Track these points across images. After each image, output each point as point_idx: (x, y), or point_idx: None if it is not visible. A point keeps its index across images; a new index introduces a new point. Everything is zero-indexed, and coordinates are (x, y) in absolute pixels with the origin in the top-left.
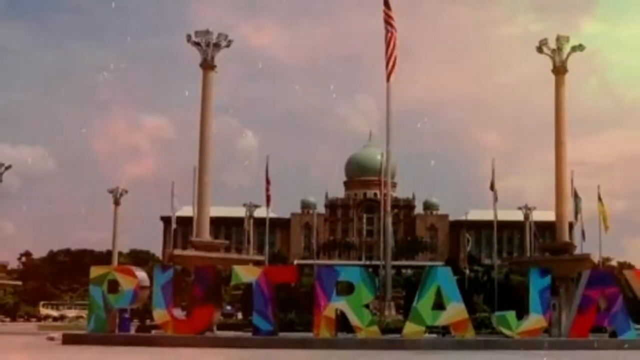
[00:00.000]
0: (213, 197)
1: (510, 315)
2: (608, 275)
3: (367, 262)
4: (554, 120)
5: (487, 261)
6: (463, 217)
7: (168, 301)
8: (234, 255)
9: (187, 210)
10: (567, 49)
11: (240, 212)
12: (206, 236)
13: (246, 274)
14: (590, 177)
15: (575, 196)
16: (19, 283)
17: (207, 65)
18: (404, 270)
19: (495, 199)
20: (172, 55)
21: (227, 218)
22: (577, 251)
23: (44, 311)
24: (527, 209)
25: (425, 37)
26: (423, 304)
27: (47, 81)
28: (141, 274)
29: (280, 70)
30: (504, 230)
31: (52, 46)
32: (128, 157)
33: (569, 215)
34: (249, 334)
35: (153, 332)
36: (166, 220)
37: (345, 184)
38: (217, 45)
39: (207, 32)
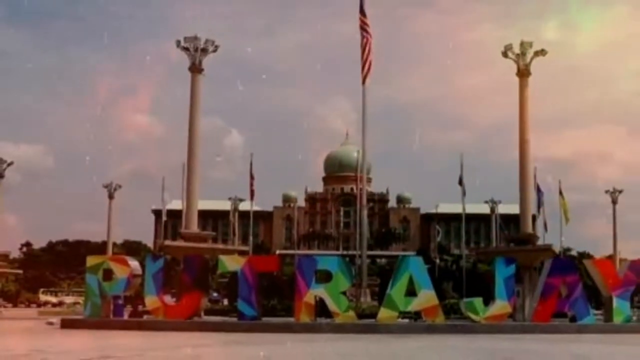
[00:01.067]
0: (201, 191)
1: (478, 301)
2: (569, 264)
3: (344, 252)
4: (518, 120)
5: (455, 251)
6: (433, 210)
7: (159, 288)
8: (220, 245)
9: (176, 204)
10: (530, 53)
11: (226, 205)
12: (194, 228)
13: (231, 263)
14: (552, 173)
15: (538, 190)
16: (20, 271)
17: (196, 69)
18: (378, 260)
19: (464, 193)
20: (163, 59)
21: (214, 211)
22: (539, 242)
23: (43, 298)
24: (493, 203)
25: (398, 42)
26: (396, 291)
27: (47, 83)
28: (134, 263)
29: (264, 73)
30: (472, 223)
31: (51, 50)
32: (122, 155)
33: (532, 208)
34: (234, 319)
35: (145, 317)
36: (157, 213)
37: (324, 179)
38: (204, 50)
39: (196, 38)
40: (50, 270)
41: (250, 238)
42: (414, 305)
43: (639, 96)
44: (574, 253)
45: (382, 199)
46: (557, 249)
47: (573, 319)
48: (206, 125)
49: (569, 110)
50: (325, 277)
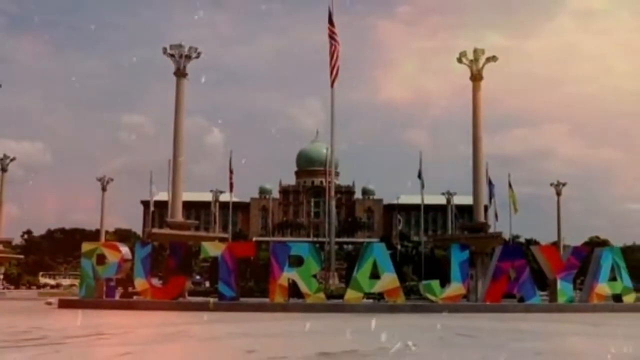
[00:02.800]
0: (185, 184)
1: (435, 283)
2: (517, 250)
3: (315, 239)
4: (472, 119)
5: (415, 238)
6: (395, 201)
7: (147, 272)
8: (202, 233)
9: (163, 195)
10: (482, 59)
11: (207, 197)
12: (179, 217)
13: (213, 249)
14: (502, 167)
15: (489, 183)
16: (22, 257)
17: (180, 74)
18: (345, 246)
19: (422, 185)
20: (150, 65)
21: (197, 202)
22: (491, 230)
23: (42, 280)
24: (449, 194)
25: (364, 49)
26: (361, 274)
27: (46, 86)
28: (124, 249)
29: (242, 77)
30: (430, 212)
31: (50, 56)
32: (114, 151)
33: (484, 200)
34: (215, 299)
35: (134, 297)
36: (145, 203)
37: (296, 173)
38: (188, 57)
39: (180, 46)
40: (49, 255)
41: (230, 226)
42: (378, 287)
43: (579, 98)
44: (522, 240)
45: (349, 191)
46: (506, 236)
47: (521, 300)
48: (190, 124)
49: (518, 110)
50: (297, 261)
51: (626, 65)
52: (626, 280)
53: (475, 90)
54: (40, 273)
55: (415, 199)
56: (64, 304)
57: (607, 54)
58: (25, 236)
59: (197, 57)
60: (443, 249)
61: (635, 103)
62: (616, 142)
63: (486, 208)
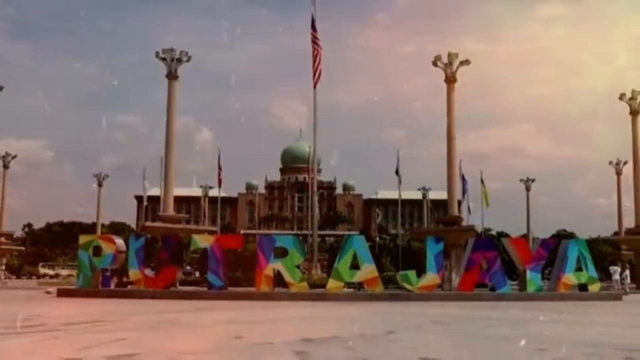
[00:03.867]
0: (176, 180)
1: (411, 273)
2: (489, 242)
3: (298, 232)
4: (446, 119)
5: (393, 231)
6: (374, 196)
7: (140, 263)
8: (192, 226)
9: (155, 191)
10: (456, 63)
11: (197, 192)
12: (171, 211)
13: (202, 241)
14: (474, 164)
15: (463, 179)
16: (23, 248)
17: (172, 76)
18: (327, 239)
19: (400, 181)
20: (144, 68)
21: (188, 197)
22: (464, 223)
23: (42, 271)
24: (425, 190)
25: (345, 53)
26: (342, 264)
27: (46, 88)
28: (119, 241)
29: (230, 79)
30: (407, 207)
31: (49, 60)
32: (110, 149)
33: (457, 195)
34: (205, 289)
35: (128, 287)
36: (139, 198)
37: (281, 170)
38: (179, 60)
39: (172, 50)
40: (48, 247)
41: (218, 220)
42: (358, 277)
43: (545, 99)
44: (493, 232)
45: (330, 186)
46: (479, 229)
47: (492, 289)
48: (180, 124)
49: (489, 111)
50: (282, 253)
51: (589, 68)
52: (591, 271)
53: (450, 92)
54: (40, 264)
55: (393, 194)
56: (63, 293)
57: (572, 58)
58: (26, 229)
59: (188, 60)
60: (419, 241)
61: (597, 103)
62: (580, 140)
63: (460, 203)
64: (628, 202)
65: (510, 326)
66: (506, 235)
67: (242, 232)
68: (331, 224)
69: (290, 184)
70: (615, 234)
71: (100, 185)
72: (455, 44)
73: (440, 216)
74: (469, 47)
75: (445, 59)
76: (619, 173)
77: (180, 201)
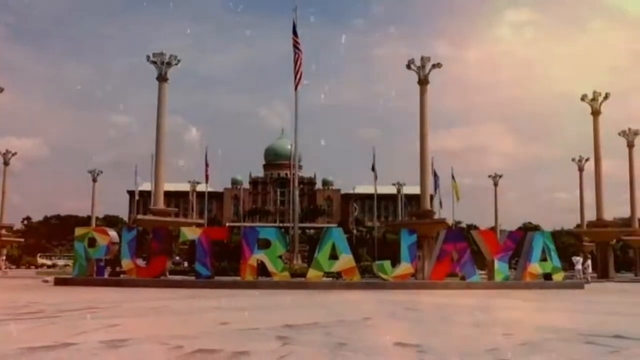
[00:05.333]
0: (166, 176)
1: (387, 263)
2: (459, 234)
3: (280, 224)
4: (419, 118)
5: (369, 224)
6: (351, 191)
7: (132, 253)
8: (181, 219)
9: (146, 186)
10: (428, 66)
11: (186, 187)
12: (161, 205)
13: (190, 233)
14: (446, 161)
15: (435, 175)
16: (22, 240)
17: (162, 78)
18: (307, 231)
19: (375, 177)
20: (136, 71)
21: (177, 192)
22: (436, 216)
23: (40, 261)
24: (399, 185)
25: (324, 57)
26: (322, 255)
27: (43, 89)
28: (113, 233)
29: (216, 81)
30: (382, 201)
31: (48, 63)
32: (104, 146)
33: (430, 189)
34: (193, 278)
35: (121, 276)
36: (131, 193)
37: (264, 166)
38: (169, 64)
39: (162, 54)
40: (46, 239)
41: (206, 213)
42: (336, 266)
43: (513, 100)
44: (463, 225)
45: (311, 182)
46: (450, 222)
47: (463, 278)
48: (170, 123)
49: (460, 111)
50: (265, 244)
51: (554, 70)
52: (555, 261)
53: (422, 93)
54: (38, 254)
55: (369, 189)
56: (59, 282)
57: (537, 60)
58: (25, 222)
59: (177, 63)
60: (394, 233)
61: (560, 105)
62: (545, 139)
63: (432, 197)
64: (589, 197)
65: (480, 313)
66: (475, 228)
67: (227, 224)
68: (311, 217)
69: (272, 180)
70: (578, 226)
71: (94, 180)
72: (427, 48)
73: (414, 210)
74: (440, 51)
75: (418, 62)
76: (581, 169)
77: (169, 196)
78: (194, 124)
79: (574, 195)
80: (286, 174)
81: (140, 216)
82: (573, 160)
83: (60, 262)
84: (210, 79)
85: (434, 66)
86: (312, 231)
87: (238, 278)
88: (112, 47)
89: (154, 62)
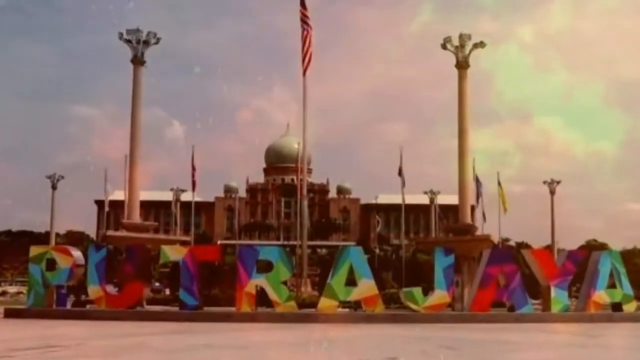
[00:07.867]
0: (143, 182)
1: (417, 291)
2: (507, 254)
3: (285, 242)
4: (457, 111)
5: (395, 241)
6: (373, 201)
7: (101, 278)
8: (162, 235)
9: (118, 194)
10: (469, 46)
11: (168, 196)
12: (136, 218)
13: (173, 253)
14: (490, 164)
15: (477, 181)
16: None
17: (137, 61)
18: (319, 250)
19: (403, 183)
20: (105, 52)
21: (156, 202)
22: (478, 232)
23: None
24: (432, 193)
25: (338, 36)
26: (336, 280)
27: None
28: (77, 253)
29: (204, 65)
30: (411, 213)
31: None
32: (65, 146)
33: (470, 199)
34: (176, 308)
35: (88, 306)
36: (100, 203)
37: (265, 170)
38: (146, 43)
39: (138, 30)
40: None
41: (192, 228)
42: (354, 294)
43: (574, 88)
44: (512, 243)
45: (323, 189)
46: (495, 239)
47: (511, 309)
48: (148, 117)
49: (507, 102)
50: (266, 267)
51: (622, 52)
52: (626, 287)
53: (461, 79)
54: None
55: (395, 199)
56: (10, 314)
57: (605, 38)
58: None
59: (156, 43)
60: (426, 253)
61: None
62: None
63: (473, 208)
64: None
65: (530, 351)
66: (527, 246)
67: (219, 242)
68: (323, 233)
69: (275, 187)
70: None
71: (54, 187)
72: (468, 24)
73: (451, 224)
74: (483, 28)
75: (456, 41)
76: None
77: (147, 206)
78: (178, 118)
79: None
80: (292, 180)
81: (110, 232)
82: None
83: (12, 289)
84: (197, 61)
85: (475, 46)
86: (324, 251)
87: (232, 309)
88: (74, 22)
89: (128, 41)
